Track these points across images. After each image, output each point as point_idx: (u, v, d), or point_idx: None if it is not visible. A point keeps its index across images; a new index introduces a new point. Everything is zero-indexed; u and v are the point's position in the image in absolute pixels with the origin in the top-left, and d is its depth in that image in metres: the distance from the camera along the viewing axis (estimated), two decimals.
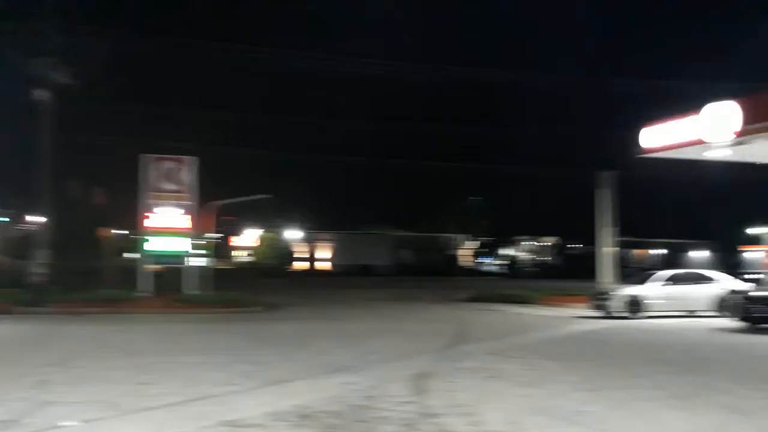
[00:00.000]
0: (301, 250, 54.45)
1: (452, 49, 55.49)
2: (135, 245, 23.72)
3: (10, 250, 35.55)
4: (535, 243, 57.51)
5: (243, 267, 53.30)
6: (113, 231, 32.64)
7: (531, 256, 56.58)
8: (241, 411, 6.72)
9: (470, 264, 57.57)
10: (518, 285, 29.54)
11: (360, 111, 55.83)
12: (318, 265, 53.11)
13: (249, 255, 58.85)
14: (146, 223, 22.54)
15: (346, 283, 36.15)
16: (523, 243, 58.40)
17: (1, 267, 28.70)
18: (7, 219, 45.84)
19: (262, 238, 56.93)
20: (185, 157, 23.29)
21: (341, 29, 60.25)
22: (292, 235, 53.94)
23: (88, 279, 22.24)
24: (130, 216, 23.86)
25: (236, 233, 59.59)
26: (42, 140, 20.20)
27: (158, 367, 9.51)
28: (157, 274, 22.78)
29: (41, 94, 20.11)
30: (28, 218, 35.56)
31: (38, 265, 19.86)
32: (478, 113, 54.72)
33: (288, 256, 54.11)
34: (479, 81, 38.34)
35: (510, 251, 58.60)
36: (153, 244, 22.46)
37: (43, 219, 20.87)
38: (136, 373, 8.95)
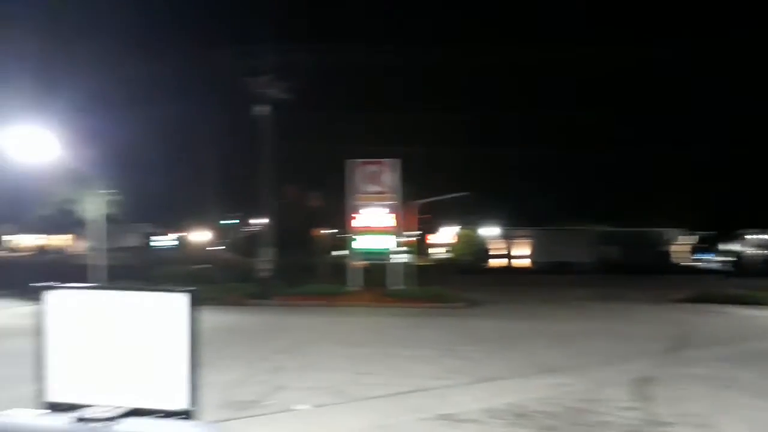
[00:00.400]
0: (497, 247, 53.99)
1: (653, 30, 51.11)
2: (344, 243, 25.33)
3: (239, 248, 40.01)
4: (765, 236, 50.74)
5: (441, 263, 54.22)
6: (325, 230, 35.14)
7: (760, 252, 50.02)
8: (456, 405, 6.85)
9: (686, 261, 52.55)
10: (746, 284, 26.27)
11: (553, 102, 53.80)
12: (515, 262, 52.23)
13: (446, 251, 59.74)
14: (353, 223, 23.96)
15: (544, 281, 35.02)
16: (749, 237, 51.88)
17: (230, 264, 32.34)
18: (236, 221, 51.52)
19: (459, 235, 57.39)
20: (387, 160, 24.28)
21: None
22: (489, 231, 53.67)
23: (305, 274, 24.24)
24: (340, 216, 25.52)
25: (434, 230, 60.84)
26: (263, 150, 22.43)
27: (374, 357, 10.05)
28: (365, 270, 24.07)
29: (261, 109, 22.32)
30: (253, 220, 39.77)
31: (264, 262, 22.13)
32: (685, 95, 49.80)
33: (484, 252, 53.94)
34: (686, 58, 34.96)
35: (734, 246, 52.32)
36: (360, 242, 23.80)
37: (265, 220, 23.20)
38: (355, 362, 9.54)
